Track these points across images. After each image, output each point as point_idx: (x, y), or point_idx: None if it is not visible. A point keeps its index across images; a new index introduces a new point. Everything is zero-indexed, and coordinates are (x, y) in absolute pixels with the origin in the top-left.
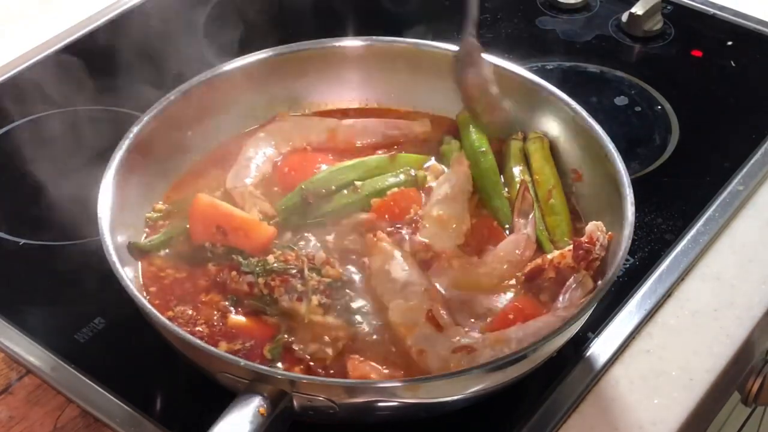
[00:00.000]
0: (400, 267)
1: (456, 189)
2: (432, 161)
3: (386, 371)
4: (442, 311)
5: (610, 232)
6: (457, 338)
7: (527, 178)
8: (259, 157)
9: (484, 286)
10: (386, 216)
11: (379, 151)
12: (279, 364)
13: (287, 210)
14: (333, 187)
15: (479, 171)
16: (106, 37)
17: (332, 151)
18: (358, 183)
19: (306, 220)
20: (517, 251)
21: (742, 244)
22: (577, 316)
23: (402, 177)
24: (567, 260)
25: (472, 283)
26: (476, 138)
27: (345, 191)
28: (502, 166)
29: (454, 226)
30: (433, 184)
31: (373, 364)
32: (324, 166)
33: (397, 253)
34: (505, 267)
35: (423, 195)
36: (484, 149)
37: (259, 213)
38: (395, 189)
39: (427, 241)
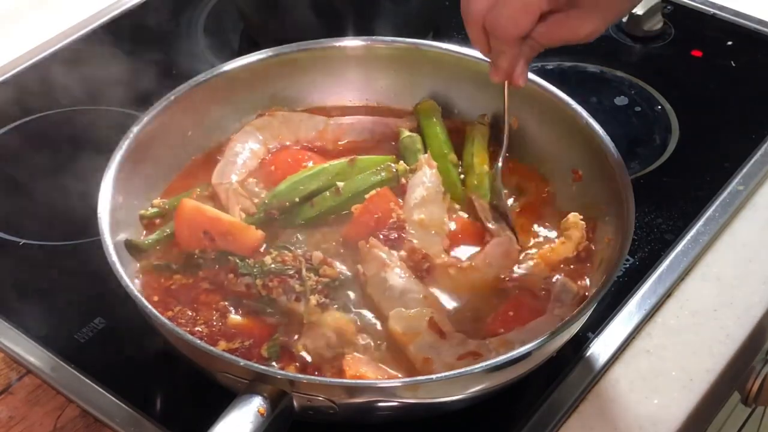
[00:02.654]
0: (397, 274)
1: (431, 191)
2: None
3: (383, 369)
4: (443, 318)
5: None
6: (461, 344)
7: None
8: (245, 152)
9: (479, 290)
10: (369, 222)
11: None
12: (274, 363)
13: (266, 218)
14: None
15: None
16: (105, 36)
17: (320, 150)
18: (339, 184)
19: (292, 224)
20: (503, 254)
21: (742, 244)
22: (576, 316)
23: (383, 175)
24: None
25: (467, 287)
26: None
27: (327, 193)
28: (460, 149)
29: (436, 228)
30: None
31: (370, 361)
32: (310, 164)
33: (393, 260)
34: (495, 270)
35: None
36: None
37: (241, 212)
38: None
39: (420, 247)
